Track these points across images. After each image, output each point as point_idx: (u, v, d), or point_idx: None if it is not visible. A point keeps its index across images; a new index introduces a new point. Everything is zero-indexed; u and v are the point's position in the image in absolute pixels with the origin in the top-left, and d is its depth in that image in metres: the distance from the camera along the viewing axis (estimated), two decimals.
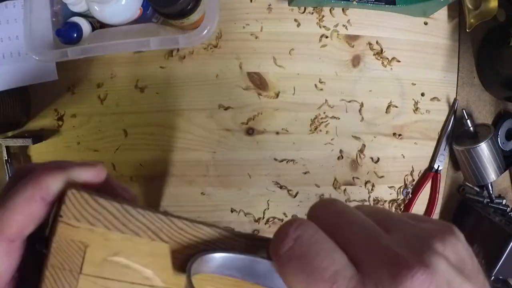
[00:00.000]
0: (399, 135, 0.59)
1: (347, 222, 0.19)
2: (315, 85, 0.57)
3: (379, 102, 0.59)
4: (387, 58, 0.57)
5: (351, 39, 0.57)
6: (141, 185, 0.57)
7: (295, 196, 0.58)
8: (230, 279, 0.22)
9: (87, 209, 0.20)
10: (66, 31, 0.46)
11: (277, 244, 0.19)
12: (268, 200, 0.58)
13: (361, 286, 0.17)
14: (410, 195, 0.61)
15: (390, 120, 0.59)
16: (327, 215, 0.20)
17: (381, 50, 0.57)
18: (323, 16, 0.56)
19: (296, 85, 0.56)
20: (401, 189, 0.61)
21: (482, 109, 0.61)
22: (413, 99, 0.59)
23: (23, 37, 0.46)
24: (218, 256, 0.21)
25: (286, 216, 0.58)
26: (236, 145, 0.56)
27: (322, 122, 0.57)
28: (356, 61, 0.57)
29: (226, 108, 0.56)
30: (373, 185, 0.60)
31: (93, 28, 0.49)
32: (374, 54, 0.57)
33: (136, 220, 0.21)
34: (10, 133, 0.57)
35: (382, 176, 0.60)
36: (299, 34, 0.56)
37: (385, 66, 0.58)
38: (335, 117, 0.58)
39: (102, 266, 0.20)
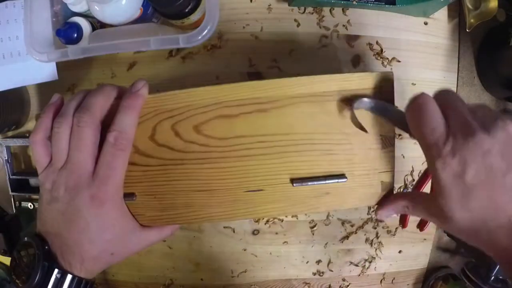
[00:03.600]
0: (399, 135, 0.59)
1: (453, 104, 0.32)
2: None
3: None
4: (387, 58, 0.57)
5: (351, 39, 0.57)
6: None
7: None
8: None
9: None
10: (66, 31, 0.46)
11: (411, 99, 0.34)
12: None
13: (446, 141, 0.30)
14: None
15: None
16: (444, 97, 0.33)
17: (381, 50, 0.57)
18: (323, 16, 0.56)
19: None
20: (401, 189, 0.61)
21: None
22: None
23: (23, 37, 0.46)
24: (370, 100, 0.37)
25: (286, 216, 0.59)
26: None
27: None
28: (356, 61, 0.57)
29: None
30: None
31: (93, 28, 0.49)
32: (374, 54, 0.57)
33: None
34: (10, 133, 0.57)
35: None
36: (299, 34, 0.56)
37: (385, 66, 0.58)
38: None
39: None
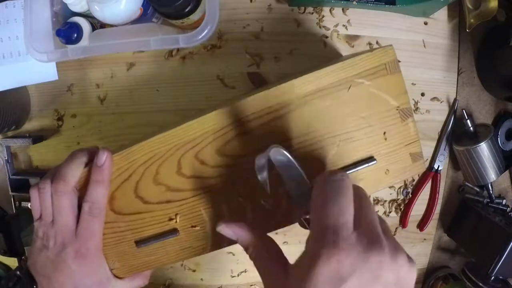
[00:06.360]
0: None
1: (369, 209, 0.28)
2: None
3: None
4: None
5: (351, 39, 0.57)
6: None
7: None
8: None
9: None
10: (66, 31, 0.46)
11: (330, 173, 0.29)
12: None
13: (350, 235, 0.25)
14: (410, 195, 0.61)
15: None
16: (361, 195, 0.29)
17: None
18: (323, 16, 0.56)
19: None
20: (401, 189, 0.61)
21: (482, 109, 0.61)
22: (413, 99, 0.59)
23: (23, 37, 0.46)
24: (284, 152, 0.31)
25: None
26: None
27: None
28: None
29: None
30: None
31: (93, 28, 0.49)
32: None
33: None
34: (10, 133, 0.57)
35: None
36: (299, 34, 0.56)
37: None
38: None
39: None
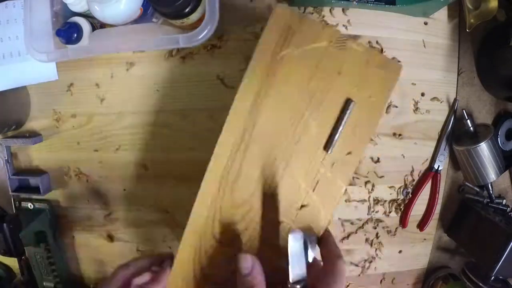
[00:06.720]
0: (399, 135, 0.59)
1: None
2: None
3: None
4: None
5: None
6: (141, 184, 0.57)
7: None
8: None
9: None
10: (66, 31, 0.46)
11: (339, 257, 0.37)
12: None
13: None
14: (410, 195, 0.61)
15: (390, 120, 0.59)
16: None
17: (381, 50, 0.57)
18: (323, 16, 0.56)
19: None
20: (401, 189, 0.61)
21: (482, 109, 0.61)
22: (413, 99, 0.59)
23: (23, 37, 0.46)
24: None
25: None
26: None
27: None
28: None
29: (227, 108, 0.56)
30: (373, 185, 0.60)
31: (93, 28, 0.49)
32: None
33: None
34: (10, 133, 0.57)
35: (382, 176, 0.60)
36: None
37: None
38: None
39: None
